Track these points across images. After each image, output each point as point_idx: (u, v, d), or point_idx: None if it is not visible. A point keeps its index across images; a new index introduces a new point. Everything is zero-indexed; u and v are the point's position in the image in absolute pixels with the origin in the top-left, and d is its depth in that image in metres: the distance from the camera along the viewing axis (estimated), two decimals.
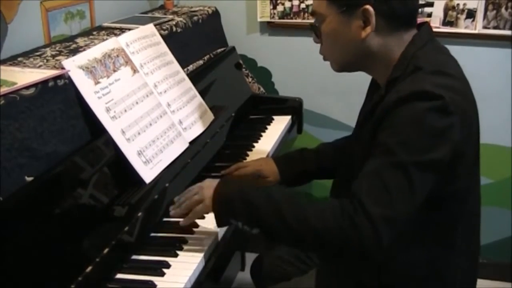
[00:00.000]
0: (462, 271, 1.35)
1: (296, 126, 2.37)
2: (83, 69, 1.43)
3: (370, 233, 1.14)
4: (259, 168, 1.71)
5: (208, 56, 2.21)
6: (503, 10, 2.22)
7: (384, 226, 1.15)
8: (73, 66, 1.41)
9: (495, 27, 2.25)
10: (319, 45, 1.38)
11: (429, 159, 1.16)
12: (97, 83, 1.46)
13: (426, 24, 1.36)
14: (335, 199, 1.24)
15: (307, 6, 2.39)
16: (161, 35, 1.86)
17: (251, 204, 1.25)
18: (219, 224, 1.33)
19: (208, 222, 1.44)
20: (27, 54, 1.61)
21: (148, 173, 1.50)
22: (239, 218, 1.28)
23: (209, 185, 1.36)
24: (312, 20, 1.38)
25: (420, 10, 2.29)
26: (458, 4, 2.26)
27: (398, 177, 1.16)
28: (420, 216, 1.22)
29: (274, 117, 2.27)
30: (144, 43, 1.73)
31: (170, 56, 1.84)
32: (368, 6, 1.26)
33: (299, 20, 2.42)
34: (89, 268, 1.22)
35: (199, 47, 2.18)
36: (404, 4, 1.28)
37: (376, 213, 1.14)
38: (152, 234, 1.45)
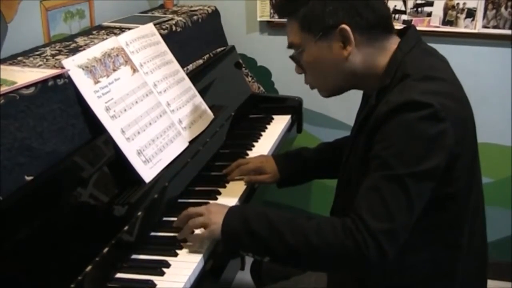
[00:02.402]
0: (470, 271, 1.35)
1: (296, 125, 2.37)
2: (83, 69, 1.43)
3: (374, 249, 1.15)
4: (260, 165, 1.72)
5: (207, 55, 2.21)
6: (502, 9, 2.22)
7: (387, 240, 1.16)
8: (73, 65, 1.41)
9: (494, 27, 2.25)
10: None
11: (424, 169, 1.16)
12: (96, 82, 1.46)
13: (412, 27, 1.36)
14: (336, 218, 1.25)
15: None
16: (160, 34, 1.86)
17: (254, 234, 1.26)
18: (229, 256, 1.39)
19: None
20: (27, 53, 1.61)
21: (147, 173, 1.50)
22: (248, 250, 1.30)
23: (217, 211, 1.35)
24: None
25: (419, 9, 2.29)
26: (458, 4, 2.26)
27: (395, 190, 1.16)
28: (424, 218, 1.22)
29: (274, 116, 2.27)
30: (143, 43, 1.73)
31: (170, 56, 1.84)
32: (343, 25, 1.26)
33: None
34: (89, 268, 1.22)
35: (198, 47, 2.18)
36: (374, 11, 1.28)
37: (378, 228, 1.15)
38: (152, 234, 1.45)
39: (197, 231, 1.38)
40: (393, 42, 1.31)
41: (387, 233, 1.16)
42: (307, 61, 1.34)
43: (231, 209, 1.35)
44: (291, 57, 1.37)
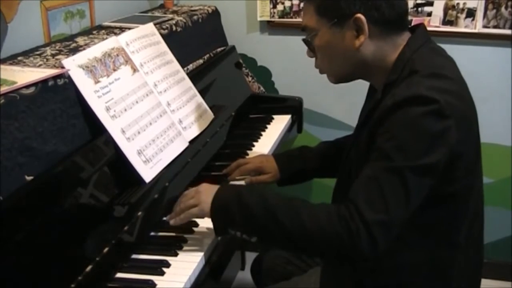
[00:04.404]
0: (466, 271, 1.35)
1: (296, 125, 2.37)
2: (83, 68, 1.43)
3: (365, 238, 1.15)
4: (260, 164, 1.72)
5: (208, 55, 2.21)
6: (503, 9, 2.22)
7: (380, 231, 1.16)
8: (73, 65, 1.41)
9: (495, 26, 2.25)
10: None
11: (424, 164, 1.16)
12: (97, 82, 1.46)
13: (422, 25, 1.36)
14: (331, 204, 1.25)
15: None
16: (161, 34, 1.86)
17: (247, 207, 1.26)
18: (217, 233, 1.35)
19: (208, 222, 1.43)
20: (27, 53, 1.61)
21: (148, 173, 1.50)
22: (237, 224, 1.29)
23: (205, 190, 1.37)
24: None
25: (419, 9, 2.29)
26: (458, 3, 2.26)
27: (393, 182, 1.17)
28: (422, 217, 1.22)
29: (274, 116, 2.27)
30: (144, 42, 1.73)
31: (170, 55, 1.84)
32: (359, 15, 1.26)
33: (299, 19, 2.42)
34: (89, 268, 1.22)
35: (199, 46, 2.18)
36: (393, 8, 1.28)
37: (372, 218, 1.15)
38: (152, 233, 1.46)
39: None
40: (404, 39, 1.32)
41: (381, 224, 1.16)
42: (319, 45, 1.34)
43: (224, 185, 1.36)
44: (304, 40, 1.37)
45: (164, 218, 1.44)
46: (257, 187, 1.33)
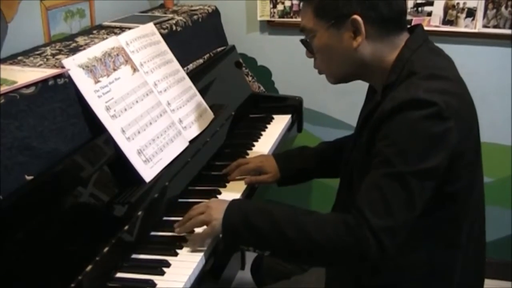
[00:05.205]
0: (468, 271, 1.35)
1: (296, 125, 2.37)
2: (83, 68, 1.43)
3: (374, 246, 1.16)
4: (260, 164, 1.72)
5: (208, 55, 2.21)
6: (503, 9, 2.22)
7: (387, 237, 1.17)
8: (73, 65, 1.41)
9: (495, 26, 2.24)
10: None
11: (426, 167, 1.17)
12: (97, 82, 1.46)
13: (420, 26, 1.36)
14: (337, 213, 1.26)
15: None
16: (161, 34, 1.86)
17: (255, 228, 1.27)
18: (229, 248, 1.40)
19: None
20: (27, 53, 1.61)
21: (148, 172, 1.50)
22: (247, 243, 1.31)
23: (216, 207, 1.36)
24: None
25: (419, 9, 2.29)
26: (458, 3, 2.26)
27: (397, 188, 1.17)
28: (424, 217, 1.22)
29: (274, 116, 2.27)
30: (144, 42, 1.73)
31: (170, 55, 1.84)
32: (356, 16, 1.26)
33: (299, 19, 2.41)
34: (89, 267, 1.22)
35: (199, 46, 2.18)
36: (391, 8, 1.28)
37: (378, 225, 1.16)
38: (152, 233, 1.45)
39: (199, 230, 1.39)
40: (403, 39, 1.31)
41: (388, 230, 1.17)
42: (317, 47, 1.35)
43: (231, 204, 1.35)
44: (302, 41, 1.38)
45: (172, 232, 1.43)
46: (262, 203, 1.34)
